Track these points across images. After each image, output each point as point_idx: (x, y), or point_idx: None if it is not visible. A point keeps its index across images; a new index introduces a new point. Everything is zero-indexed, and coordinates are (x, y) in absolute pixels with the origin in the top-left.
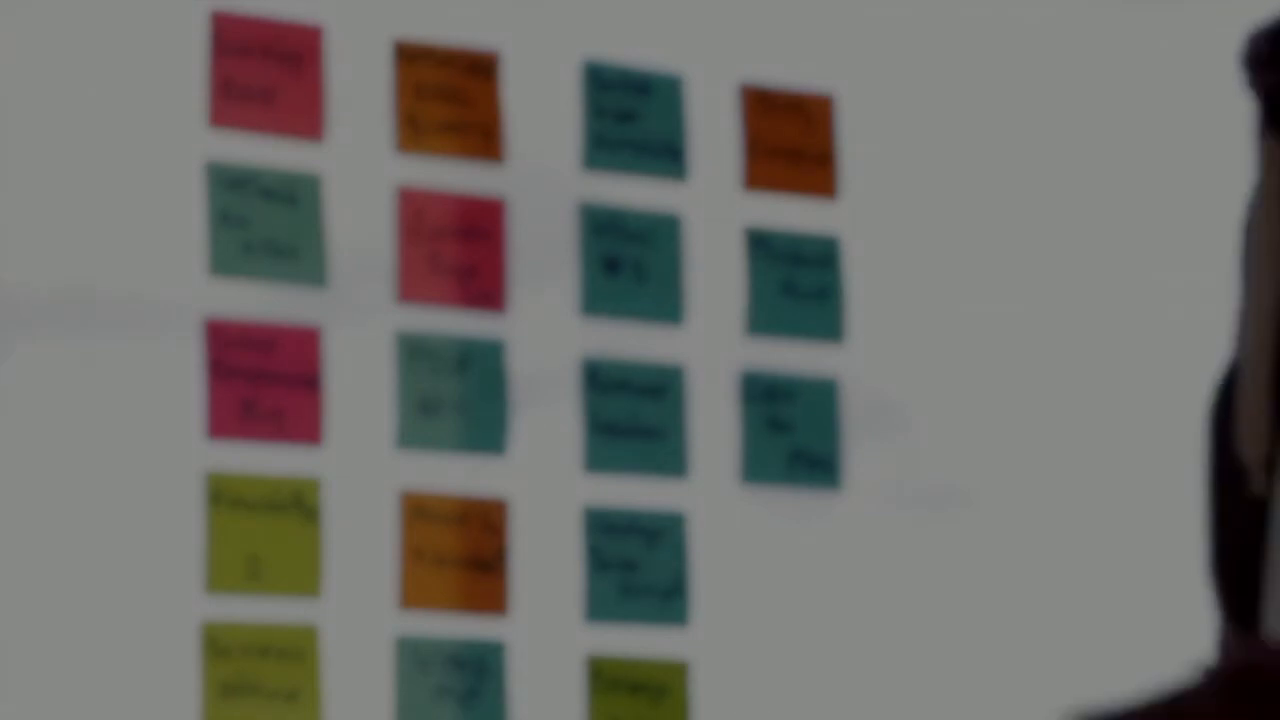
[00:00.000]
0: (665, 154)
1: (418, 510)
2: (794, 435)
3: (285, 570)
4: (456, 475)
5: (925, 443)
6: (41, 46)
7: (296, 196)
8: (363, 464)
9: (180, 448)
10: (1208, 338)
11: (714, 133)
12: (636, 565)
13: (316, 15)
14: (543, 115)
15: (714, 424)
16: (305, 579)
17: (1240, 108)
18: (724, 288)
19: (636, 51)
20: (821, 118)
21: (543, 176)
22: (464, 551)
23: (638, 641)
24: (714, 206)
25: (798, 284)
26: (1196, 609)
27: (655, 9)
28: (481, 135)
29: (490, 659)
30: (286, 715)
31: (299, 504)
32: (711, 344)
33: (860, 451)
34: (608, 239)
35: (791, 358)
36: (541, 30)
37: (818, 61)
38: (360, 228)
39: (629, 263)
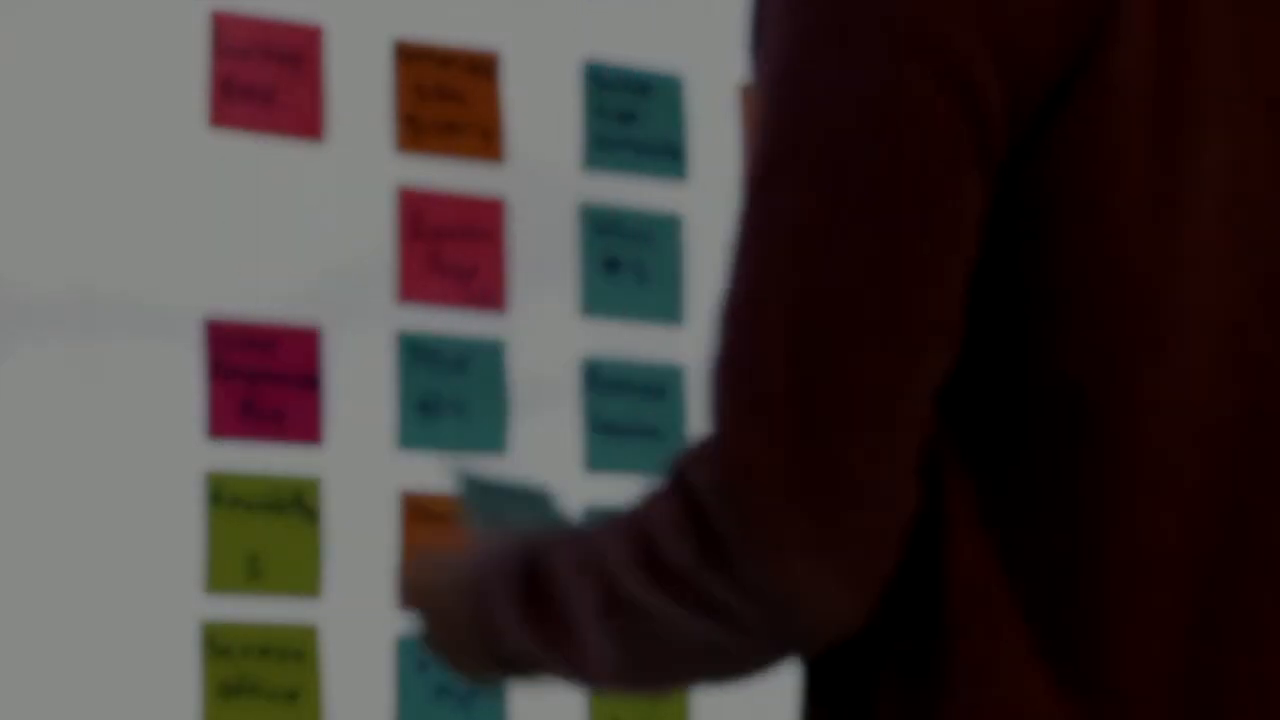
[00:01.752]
0: (665, 154)
1: (418, 510)
2: None
3: (285, 570)
4: None
5: None
6: (41, 46)
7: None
8: (363, 464)
9: (180, 448)
10: None
11: (714, 133)
12: None
13: (316, 15)
14: (543, 115)
15: None
16: (305, 579)
17: None
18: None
19: (636, 51)
20: None
21: (543, 176)
22: None
23: None
24: (714, 206)
25: None
26: None
27: (655, 9)
28: (481, 135)
29: None
30: (286, 715)
31: (299, 504)
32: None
33: None
34: (608, 239)
35: None
36: (541, 30)
37: None
38: (360, 228)
39: (629, 263)
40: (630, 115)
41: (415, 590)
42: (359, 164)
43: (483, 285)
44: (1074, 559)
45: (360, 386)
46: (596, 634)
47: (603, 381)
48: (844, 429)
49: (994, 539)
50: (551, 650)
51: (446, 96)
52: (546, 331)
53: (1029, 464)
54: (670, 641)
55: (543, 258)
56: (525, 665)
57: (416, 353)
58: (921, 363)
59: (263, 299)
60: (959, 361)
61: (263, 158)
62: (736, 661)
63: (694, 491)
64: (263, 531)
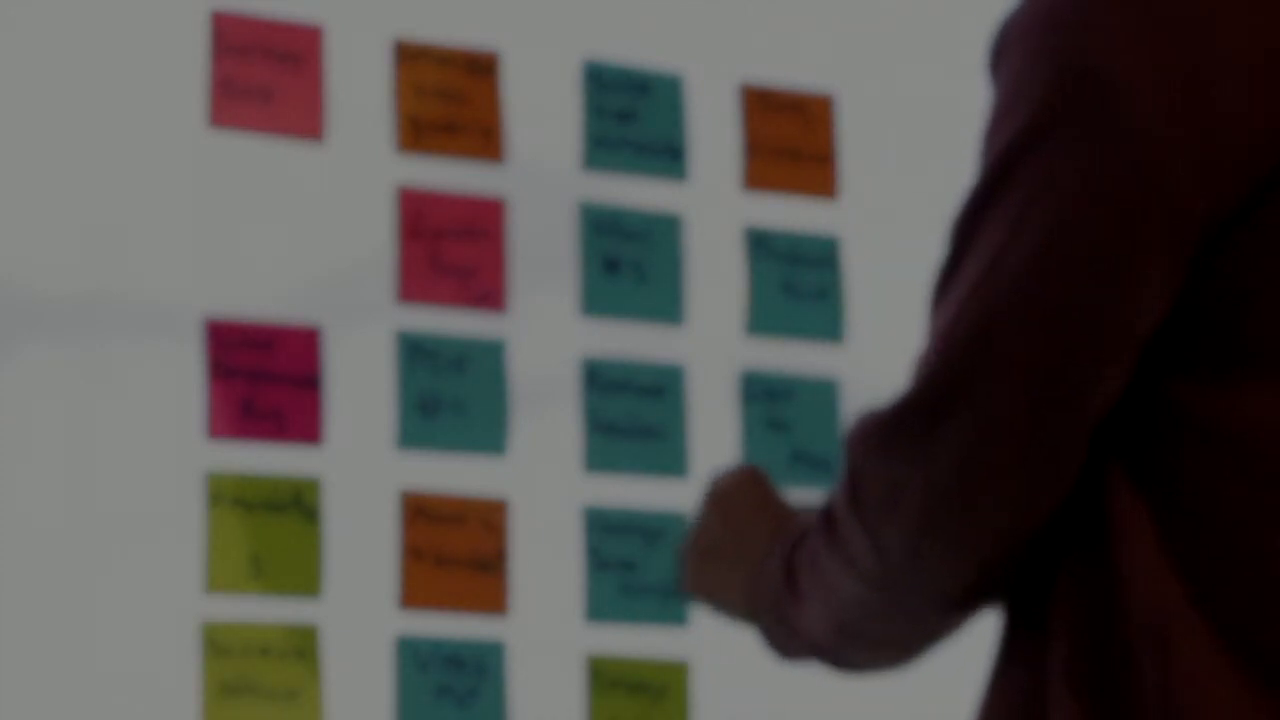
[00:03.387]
0: (665, 154)
1: (418, 510)
2: (794, 435)
3: (285, 570)
4: (456, 475)
5: None
6: (41, 46)
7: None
8: (363, 464)
9: (180, 448)
10: None
11: (714, 133)
12: (636, 565)
13: (316, 15)
14: (543, 115)
15: (714, 424)
16: (305, 579)
17: None
18: (724, 288)
19: (636, 51)
20: (821, 118)
21: (543, 176)
22: (464, 551)
23: (638, 641)
24: (714, 206)
25: (798, 284)
26: None
27: (655, 9)
28: (481, 135)
29: (490, 659)
30: (286, 715)
31: (299, 504)
32: (711, 344)
33: None
34: (608, 239)
35: (791, 358)
36: (541, 30)
37: (818, 61)
38: (360, 228)
39: (629, 263)
40: (630, 115)
41: (718, 506)
42: (359, 164)
43: (483, 285)
44: (1262, 582)
45: (360, 386)
46: (811, 589)
47: (603, 381)
48: (986, 432)
49: (1175, 561)
50: (792, 606)
51: (446, 96)
52: (546, 331)
53: (1209, 493)
54: (833, 596)
55: (543, 258)
56: (772, 623)
57: (416, 353)
58: (1080, 401)
59: (263, 299)
60: (1143, 401)
61: (263, 158)
62: (885, 623)
63: (848, 443)
64: (263, 531)
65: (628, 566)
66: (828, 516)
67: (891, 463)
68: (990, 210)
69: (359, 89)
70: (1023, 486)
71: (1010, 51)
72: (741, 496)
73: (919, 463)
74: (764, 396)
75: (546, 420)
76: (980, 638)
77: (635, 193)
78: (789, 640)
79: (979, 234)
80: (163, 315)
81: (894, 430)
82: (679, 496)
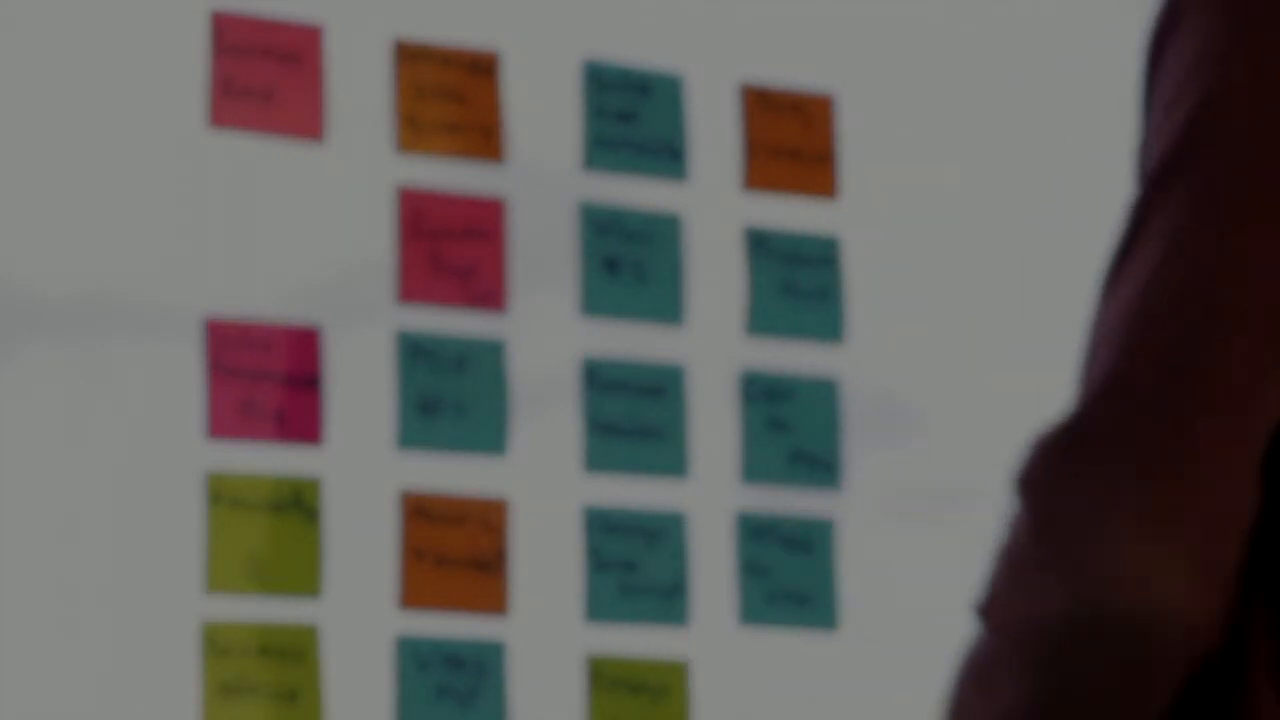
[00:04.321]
0: (665, 154)
1: (418, 510)
2: (794, 435)
3: (285, 570)
4: (456, 475)
5: (926, 442)
6: (41, 46)
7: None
8: (363, 464)
9: (180, 448)
10: None
11: (714, 133)
12: (636, 565)
13: (316, 15)
14: (543, 115)
15: (714, 424)
16: (305, 579)
17: None
18: (724, 288)
19: (636, 51)
20: (821, 118)
21: (543, 176)
22: (464, 551)
23: (638, 641)
24: (714, 206)
25: (798, 284)
26: None
27: (655, 9)
28: (481, 135)
29: (490, 659)
30: (286, 715)
31: (299, 504)
32: (711, 344)
33: (860, 452)
34: (608, 239)
35: (791, 358)
36: (541, 30)
37: (818, 61)
38: (360, 228)
39: (629, 263)
40: (630, 115)
41: None
42: (359, 164)
43: (483, 285)
44: None
45: (360, 386)
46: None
47: (603, 381)
48: (1204, 411)
49: None
50: None
51: (446, 96)
52: (546, 331)
53: None
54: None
55: (543, 258)
56: None
57: (416, 353)
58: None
59: (263, 299)
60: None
61: (263, 158)
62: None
63: (1023, 484)
64: (263, 531)
65: (628, 566)
66: (982, 594)
67: (1084, 482)
68: (1171, 191)
69: (359, 89)
70: (1223, 500)
71: (1186, 18)
72: None
73: (1119, 475)
74: (764, 396)
75: (546, 420)
76: None
77: (635, 193)
78: None
79: (1156, 215)
80: (163, 315)
81: (1082, 447)
82: (679, 496)
